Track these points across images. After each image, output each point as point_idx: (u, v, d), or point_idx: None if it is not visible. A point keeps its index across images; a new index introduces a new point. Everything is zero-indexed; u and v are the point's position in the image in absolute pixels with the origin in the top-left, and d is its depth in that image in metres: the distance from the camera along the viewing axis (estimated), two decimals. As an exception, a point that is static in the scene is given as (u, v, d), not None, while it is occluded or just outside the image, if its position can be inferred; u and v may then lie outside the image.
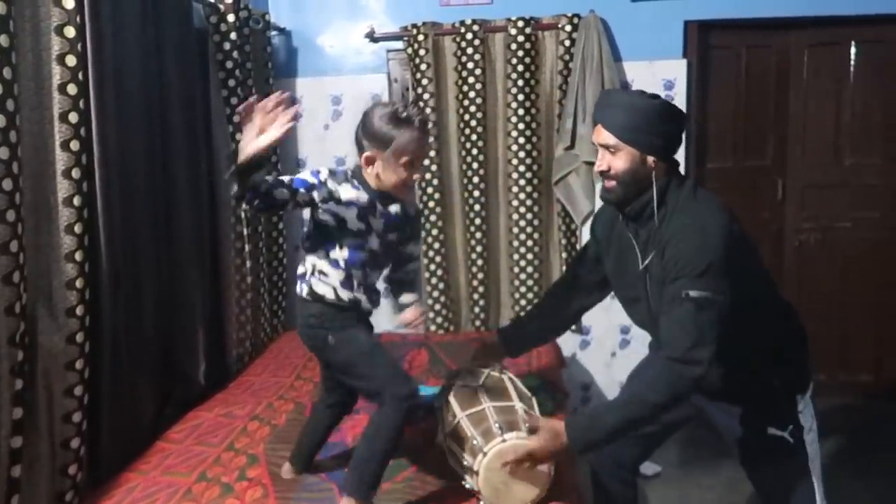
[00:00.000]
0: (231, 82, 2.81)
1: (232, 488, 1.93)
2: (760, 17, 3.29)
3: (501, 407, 1.76)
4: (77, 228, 1.80)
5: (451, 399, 1.87)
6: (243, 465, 2.07)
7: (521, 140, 3.27)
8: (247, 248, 2.89)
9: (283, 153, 3.43)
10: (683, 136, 1.69)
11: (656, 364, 1.59)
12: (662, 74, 3.33)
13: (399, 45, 3.37)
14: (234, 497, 1.88)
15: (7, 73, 1.54)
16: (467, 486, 1.74)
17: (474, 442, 1.67)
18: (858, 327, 3.58)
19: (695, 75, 3.34)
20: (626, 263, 1.77)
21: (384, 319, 3.55)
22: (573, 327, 3.30)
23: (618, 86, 3.21)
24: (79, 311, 1.82)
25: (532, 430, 1.65)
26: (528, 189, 3.32)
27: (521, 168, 3.30)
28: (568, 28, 3.19)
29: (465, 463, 1.69)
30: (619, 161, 1.63)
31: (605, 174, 1.67)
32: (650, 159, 1.61)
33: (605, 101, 1.72)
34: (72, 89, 1.77)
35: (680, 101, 3.34)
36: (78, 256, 1.81)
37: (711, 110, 3.47)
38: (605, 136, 1.64)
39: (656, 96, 1.63)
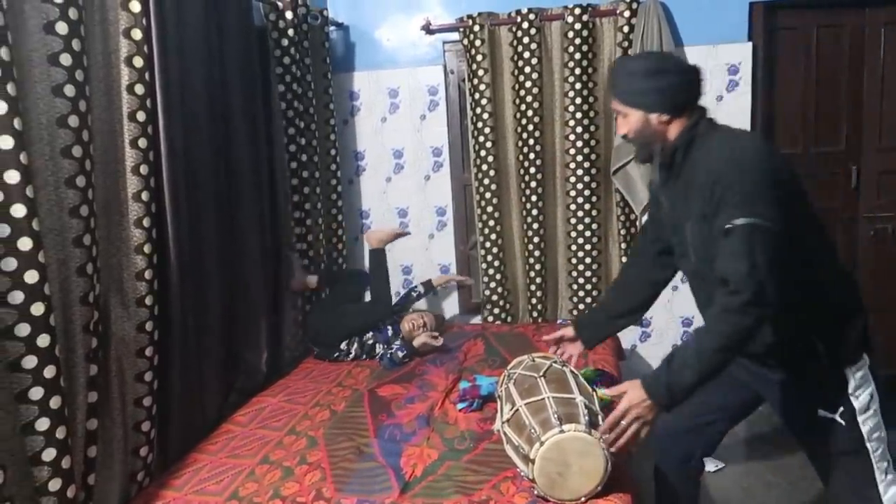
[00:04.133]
0: (289, 78, 2.88)
1: (292, 471, 2.00)
2: (832, -5, 3.15)
3: (561, 398, 1.75)
4: (146, 222, 1.89)
5: (511, 387, 1.88)
6: (303, 449, 2.13)
7: (579, 129, 3.23)
8: (308, 238, 2.97)
9: (341, 146, 3.49)
10: (689, 84, 1.65)
11: (715, 305, 1.54)
12: (726, 59, 3.23)
13: (455, 36, 3.37)
14: (294, 480, 1.95)
15: (79, 75, 1.63)
16: (522, 474, 1.75)
17: (532, 431, 1.68)
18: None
19: (761, 59, 3.21)
20: (674, 212, 1.76)
21: (450, 308, 3.66)
22: (638, 322, 3.25)
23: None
24: (148, 300, 1.91)
25: (593, 418, 1.65)
26: (587, 179, 3.28)
27: (579, 158, 3.26)
28: (626, 14, 3.12)
29: (522, 451, 1.69)
30: (629, 124, 1.71)
31: (625, 137, 1.77)
32: (653, 116, 1.67)
33: (612, 71, 1.80)
34: (139, 89, 1.86)
35: (745, 87, 3.24)
36: (147, 249, 1.90)
37: (779, 95, 3.33)
38: (614, 103, 1.74)
39: (651, 54, 1.67)
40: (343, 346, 2.99)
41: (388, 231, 3.32)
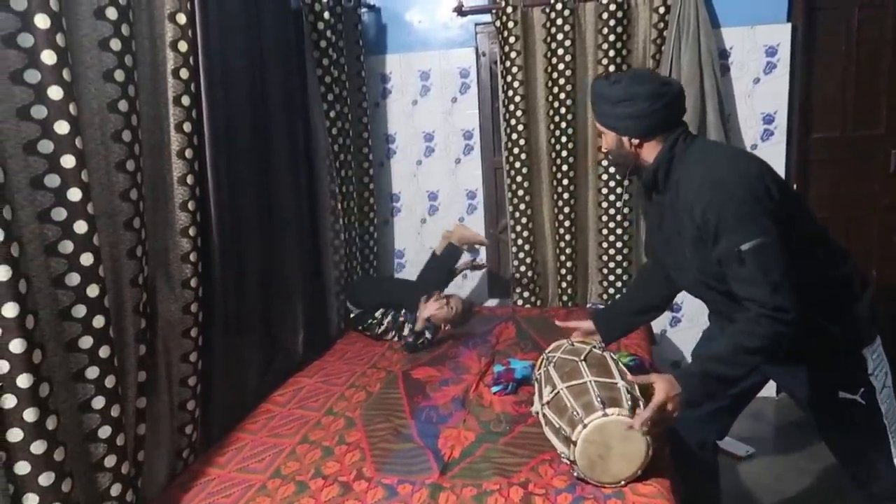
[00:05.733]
0: (325, 61, 2.89)
1: (332, 451, 2.03)
2: (875, -25, 3.08)
3: (604, 383, 1.76)
4: (191, 206, 1.92)
5: (552, 370, 1.89)
6: (341, 429, 2.17)
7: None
8: (341, 222, 2.99)
9: (373, 129, 3.50)
10: (659, 110, 1.65)
11: (751, 316, 1.57)
12: (765, 40, 3.17)
13: (487, 18, 3.35)
14: (335, 460, 1.98)
15: (128, 60, 1.65)
16: (563, 456, 1.76)
17: (574, 413, 1.69)
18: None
19: (800, 40, 3.16)
20: (663, 231, 1.80)
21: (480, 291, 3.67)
22: (657, 315, 3.25)
23: (716, 55, 3.08)
24: (193, 283, 1.94)
25: (635, 403, 1.67)
26: (619, 162, 3.25)
27: (612, 141, 3.23)
28: (663, -6, 3.08)
29: (564, 433, 1.71)
30: (606, 142, 1.79)
31: (606, 155, 1.86)
32: (625, 139, 1.72)
33: (591, 89, 1.83)
34: (184, 73, 1.87)
35: (783, 69, 3.19)
36: (192, 232, 1.93)
37: (818, 77, 3.27)
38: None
39: (623, 79, 1.68)
40: (378, 314, 3.02)
41: (475, 235, 3.31)
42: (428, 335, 2.89)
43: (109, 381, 1.55)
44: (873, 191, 3.36)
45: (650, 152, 1.71)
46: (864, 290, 1.70)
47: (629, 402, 1.68)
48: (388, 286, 3.17)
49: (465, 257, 3.46)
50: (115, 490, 1.58)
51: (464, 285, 3.68)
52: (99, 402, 1.53)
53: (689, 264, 1.72)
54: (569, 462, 1.73)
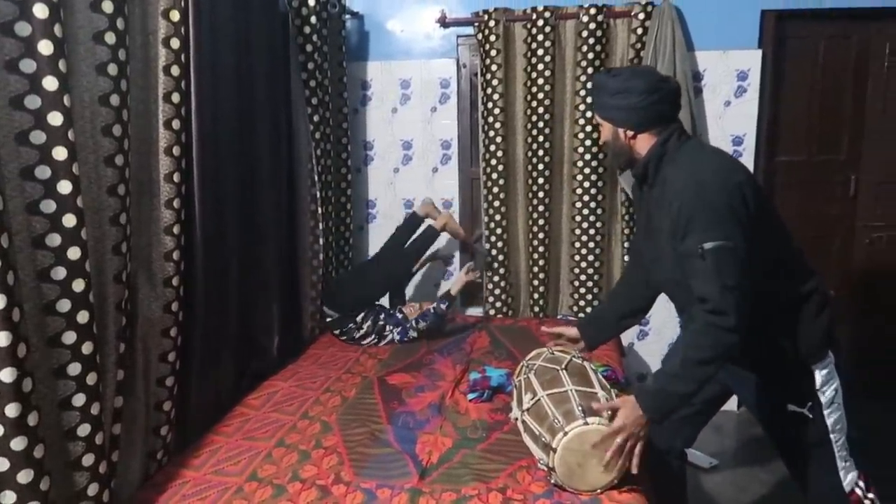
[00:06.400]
0: (310, 65, 2.89)
1: (309, 455, 2.03)
2: (841, 7, 3.22)
3: (584, 392, 1.79)
4: (176, 203, 1.90)
5: (532, 377, 1.92)
6: (318, 433, 2.16)
7: (589, 128, 3.27)
8: (320, 226, 2.98)
9: (352, 136, 3.50)
10: (654, 104, 1.71)
11: (697, 320, 1.64)
12: (736, 65, 3.29)
13: (469, 30, 3.40)
14: (312, 463, 1.98)
15: (122, 54, 1.63)
16: (541, 463, 1.79)
17: (555, 421, 1.72)
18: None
19: (770, 66, 3.28)
20: (646, 223, 1.86)
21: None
22: (640, 321, 3.32)
23: (690, 76, 3.18)
24: (175, 281, 1.92)
25: (612, 412, 1.70)
26: (593, 178, 3.33)
27: (587, 157, 3.31)
28: (641, 16, 3.17)
29: (543, 440, 1.73)
30: (604, 133, 1.85)
31: (604, 144, 1.89)
32: (621, 131, 1.78)
33: (591, 82, 1.90)
34: (175, 70, 1.86)
35: (753, 93, 3.30)
36: (176, 230, 1.91)
37: (785, 102, 3.41)
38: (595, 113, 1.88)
39: (623, 72, 1.76)
40: (358, 318, 3.02)
41: (457, 227, 3.36)
42: (442, 306, 3.06)
43: (91, 379, 1.52)
44: (833, 214, 3.50)
45: (644, 145, 1.77)
46: (822, 309, 1.77)
47: (609, 412, 1.72)
48: (366, 275, 3.17)
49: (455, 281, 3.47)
50: (92, 490, 1.55)
51: (433, 292, 3.69)
52: (79, 400, 1.50)
53: (665, 259, 1.77)
54: (547, 469, 1.76)
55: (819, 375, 1.73)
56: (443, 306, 3.06)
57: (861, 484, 1.77)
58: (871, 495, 1.77)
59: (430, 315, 3.04)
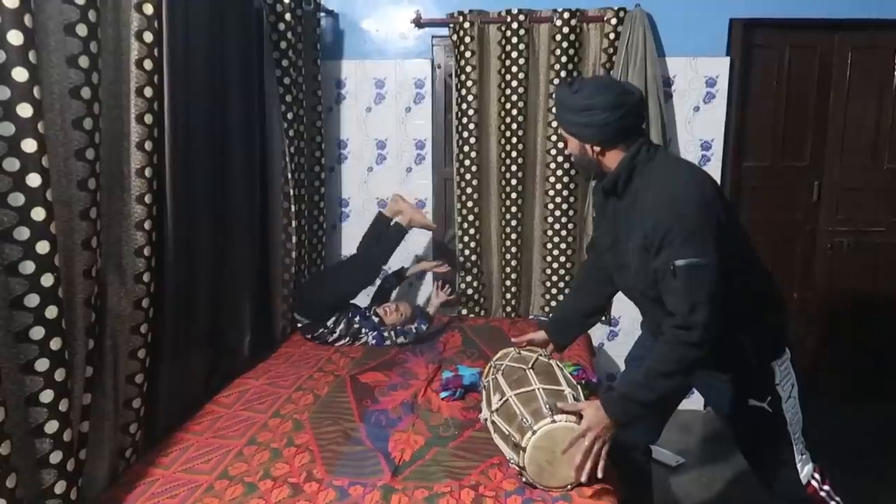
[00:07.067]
0: (284, 62, 2.87)
1: (280, 453, 2.02)
2: (806, 18, 3.30)
3: (551, 390, 1.82)
4: (147, 199, 1.88)
5: (500, 378, 1.94)
6: (289, 431, 2.16)
7: (561, 131, 3.30)
8: (293, 224, 2.97)
9: (326, 134, 3.49)
10: (620, 119, 1.71)
11: (665, 334, 1.68)
12: (705, 71, 3.36)
13: (444, 31, 3.41)
14: (283, 461, 1.97)
15: (94, 47, 1.61)
16: (511, 462, 1.81)
17: (524, 420, 1.74)
18: (890, 332, 3.59)
19: (737, 73, 3.36)
20: (614, 232, 1.88)
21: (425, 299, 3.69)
22: (602, 318, 3.37)
23: (660, 82, 3.23)
24: (145, 277, 1.90)
25: (579, 414, 1.73)
26: (565, 180, 3.36)
27: (560, 158, 3.34)
28: (613, 21, 3.22)
29: (513, 439, 1.75)
30: (569, 146, 1.86)
31: (571, 157, 1.91)
32: (588, 146, 1.78)
33: (554, 95, 1.89)
34: (147, 65, 1.84)
35: (721, 99, 3.38)
36: (147, 225, 1.88)
37: (752, 109, 3.49)
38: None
39: (586, 87, 1.74)
40: (330, 323, 3.00)
41: (424, 220, 3.28)
42: (423, 326, 3.07)
43: (59, 375, 1.50)
44: (797, 219, 3.60)
45: (613, 160, 1.77)
46: (780, 308, 1.85)
47: (576, 416, 1.74)
48: (334, 279, 3.14)
49: (413, 265, 3.49)
50: (60, 487, 1.53)
51: (410, 293, 3.70)
52: (47, 396, 1.48)
53: (630, 268, 1.81)
54: (517, 468, 1.78)
55: (778, 371, 1.80)
56: (423, 327, 3.07)
57: (817, 476, 1.84)
58: (826, 487, 1.84)
59: (411, 334, 3.03)
